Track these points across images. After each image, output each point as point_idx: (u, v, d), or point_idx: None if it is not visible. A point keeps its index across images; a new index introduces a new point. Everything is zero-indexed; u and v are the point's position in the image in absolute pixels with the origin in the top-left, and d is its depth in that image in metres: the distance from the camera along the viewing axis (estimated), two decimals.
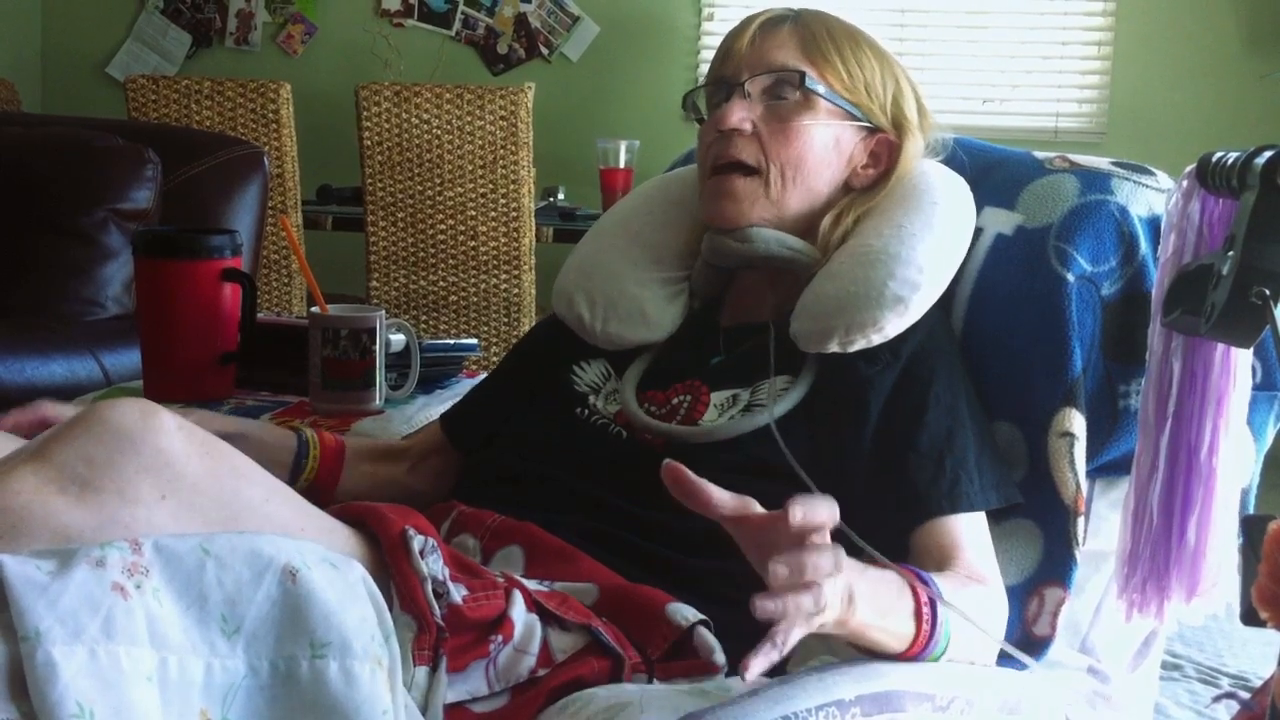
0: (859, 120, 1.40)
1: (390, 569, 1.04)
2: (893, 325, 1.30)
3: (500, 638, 1.06)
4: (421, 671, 1.00)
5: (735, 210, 1.38)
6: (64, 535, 0.92)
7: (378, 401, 1.75)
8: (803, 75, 1.37)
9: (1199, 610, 1.23)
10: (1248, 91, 4.52)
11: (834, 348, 1.30)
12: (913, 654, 1.08)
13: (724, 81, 1.40)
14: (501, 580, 1.11)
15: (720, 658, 1.15)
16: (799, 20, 1.41)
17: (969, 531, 1.24)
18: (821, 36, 1.39)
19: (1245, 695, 0.98)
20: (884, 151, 1.42)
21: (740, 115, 1.37)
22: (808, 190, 1.39)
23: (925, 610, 1.08)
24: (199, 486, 0.98)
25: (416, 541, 1.05)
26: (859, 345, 1.30)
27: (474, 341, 2.01)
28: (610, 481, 1.29)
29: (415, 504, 1.23)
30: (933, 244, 1.35)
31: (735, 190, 1.37)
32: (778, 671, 1.19)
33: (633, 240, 1.49)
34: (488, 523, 1.26)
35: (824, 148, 1.38)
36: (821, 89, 1.37)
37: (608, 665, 1.11)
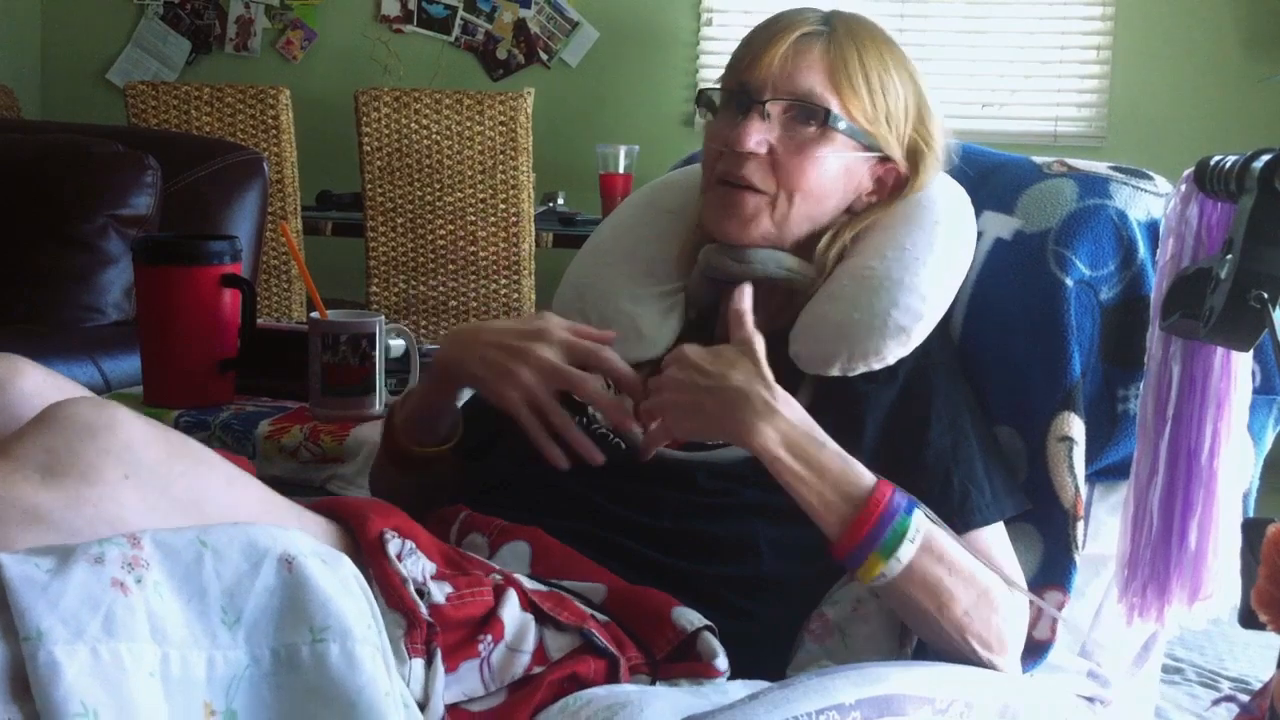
0: (873, 151, 1.37)
1: (370, 569, 1.04)
2: (894, 354, 1.31)
3: (490, 638, 1.07)
4: (418, 664, 1.01)
5: (739, 229, 1.36)
6: (34, 516, 0.94)
7: (378, 407, 1.75)
8: (828, 112, 1.33)
9: (1201, 614, 1.23)
10: (1246, 95, 4.52)
11: (835, 372, 1.30)
12: (855, 530, 1.15)
13: (745, 92, 1.36)
14: (499, 578, 1.12)
15: (722, 663, 1.15)
16: (833, 37, 1.36)
17: (985, 545, 1.24)
18: (852, 63, 1.35)
19: (1245, 698, 0.98)
20: (889, 179, 1.40)
21: (757, 138, 1.33)
22: (809, 217, 1.37)
23: (885, 501, 1.15)
24: (160, 469, 0.99)
25: (393, 545, 1.06)
26: (860, 371, 1.30)
27: None
28: (610, 490, 1.29)
29: (416, 505, 1.24)
30: (935, 268, 1.34)
31: (742, 206, 1.35)
32: (777, 676, 1.20)
33: (626, 255, 1.48)
34: (495, 524, 1.27)
35: (834, 178, 1.36)
36: (843, 125, 1.34)
37: (604, 665, 1.12)
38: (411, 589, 1.04)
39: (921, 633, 1.24)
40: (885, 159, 1.39)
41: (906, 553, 1.16)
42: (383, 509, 1.11)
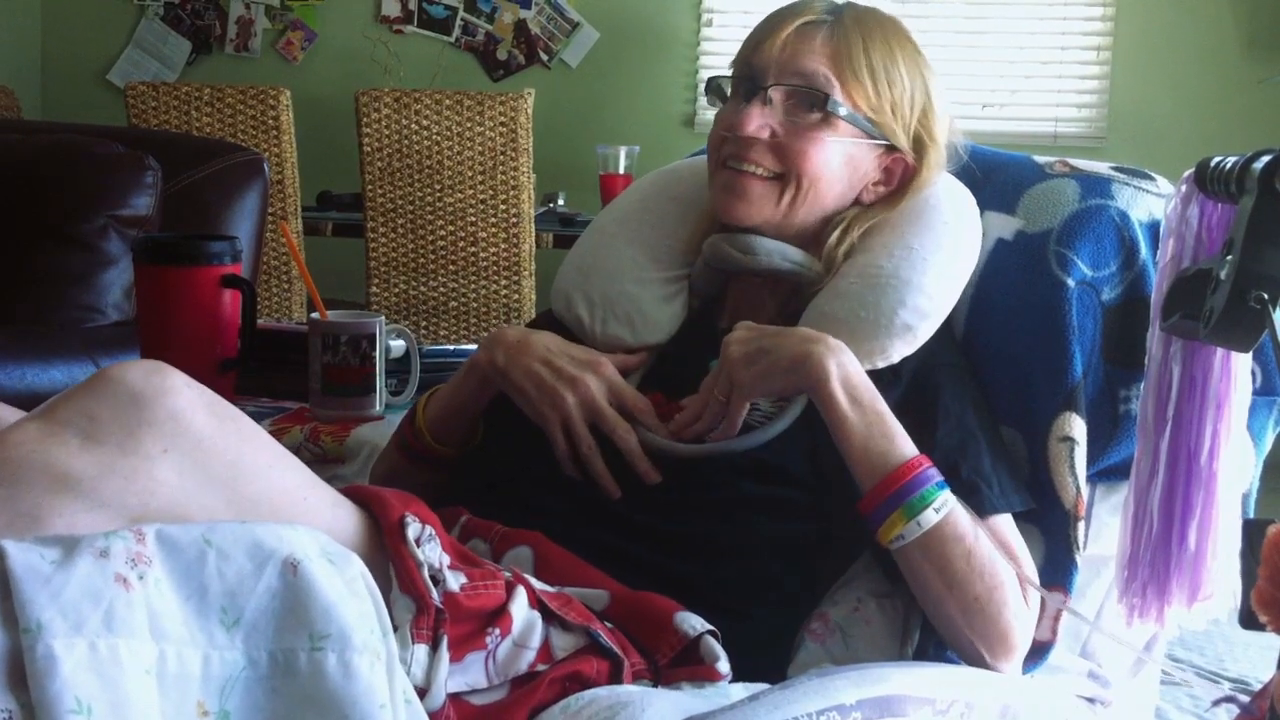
0: (878, 139, 1.37)
1: (389, 551, 1.05)
2: (900, 353, 1.31)
3: (498, 631, 1.07)
4: (422, 649, 1.01)
5: (745, 210, 1.36)
6: (65, 481, 0.93)
7: (378, 407, 1.75)
8: (826, 97, 1.33)
9: (1200, 615, 1.23)
10: (1246, 96, 4.52)
11: None
12: (887, 483, 1.19)
13: (750, 77, 1.37)
14: (508, 574, 1.12)
15: (724, 666, 1.15)
16: (838, 25, 1.36)
17: (997, 538, 1.24)
18: (856, 50, 1.35)
19: (1245, 699, 0.98)
20: (898, 170, 1.40)
21: (758, 123, 1.34)
22: (816, 205, 1.37)
23: (921, 467, 1.19)
24: (203, 445, 0.99)
25: (412, 529, 1.06)
26: (865, 369, 1.30)
27: (474, 347, 2.01)
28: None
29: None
30: (942, 268, 1.34)
31: (749, 191, 1.35)
32: (778, 677, 1.20)
33: (631, 238, 1.48)
34: (496, 530, 1.27)
35: (838, 165, 1.36)
36: (844, 111, 1.34)
37: (608, 666, 1.12)
38: (425, 574, 1.04)
39: (930, 614, 1.24)
40: (891, 148, 1.39)
41: (929, 519, 1.18)
42: (404, 497, 1.12)
